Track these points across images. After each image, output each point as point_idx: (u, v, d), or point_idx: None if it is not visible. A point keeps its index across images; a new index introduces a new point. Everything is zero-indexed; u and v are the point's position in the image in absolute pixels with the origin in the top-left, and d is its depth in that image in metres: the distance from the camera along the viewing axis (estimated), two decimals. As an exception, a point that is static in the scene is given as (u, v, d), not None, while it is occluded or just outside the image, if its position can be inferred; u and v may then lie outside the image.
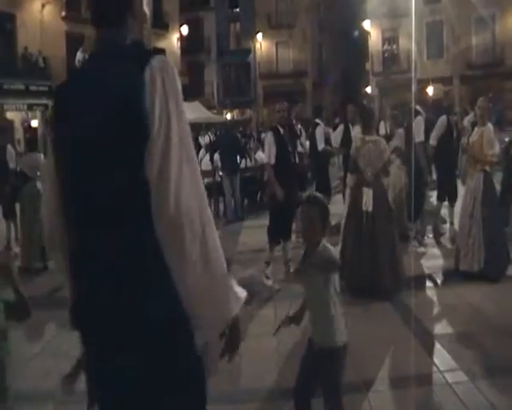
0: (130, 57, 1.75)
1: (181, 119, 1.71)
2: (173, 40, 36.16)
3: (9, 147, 10.53)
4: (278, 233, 7.39)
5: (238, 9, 42.63)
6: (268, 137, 7.44)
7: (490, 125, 7.04)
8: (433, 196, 9.65)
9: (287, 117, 7.77)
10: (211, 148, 13.87)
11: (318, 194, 3.60)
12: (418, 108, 8.71)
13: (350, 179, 7.14)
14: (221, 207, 12.50)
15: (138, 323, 1.68)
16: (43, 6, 26.55)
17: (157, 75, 1.69)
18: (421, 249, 8.49)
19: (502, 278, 6.71)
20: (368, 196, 6.51)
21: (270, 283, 7.06)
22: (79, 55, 28.41)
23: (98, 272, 1.73)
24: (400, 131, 9.07)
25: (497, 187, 7.44)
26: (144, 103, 1.64)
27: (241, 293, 1.87)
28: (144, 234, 1.67)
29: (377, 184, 6.59)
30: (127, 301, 1.68)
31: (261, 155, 13.90)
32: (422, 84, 26.11)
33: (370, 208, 6.47)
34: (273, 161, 7.20)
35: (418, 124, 8.47)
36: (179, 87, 1.76)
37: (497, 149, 6.98)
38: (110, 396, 1.79)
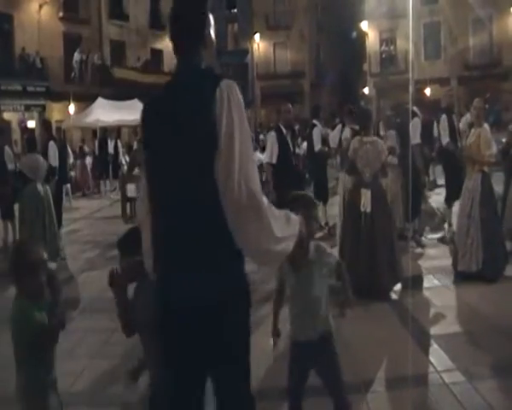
0: (204, 80, 2.32)
1: (242, 126, 2.25)
2: (171, 41, 36.20)
3: (7, 148, 10.53)
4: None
5: (236, 10, 42.64)
6: (271, 137, 7.45)
7: (486, 126, 7.05)
8: (431, 197, 9.66)
9: (291, 118, 7.81)
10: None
11: (305, 192, 3.42)
12: (415, 109, 8.71)
13: (348, 181, 7.13)
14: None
15: (214, 285, 2.23)
16: (40, 6, 26.50)
17: (224, 94, 2.21)
18: (419, 250, 8.49)
19: (499, 279, 6.72)
20: (366, 197, 6.51)
21: None
22: (77, 56, 28.47)
23: (180, 250, 2.28)
24: (392, 132, 9.01)
25: (497, 187, 7.41)
26: (215, 115, 2.18)
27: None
28: (215, 216, 2.22)
29: (375, 184, 6.60)
30: (204, 270, 2.24)
31: (259, 156, 13.90)
32: (420, 84, 26.22)
33: (369, 209, 6.48)
34: (274, 160, 7.20)
35: (415, 125, 8.47)
36: (242, 103, 2.27)
37: (494, 149, 6.99)
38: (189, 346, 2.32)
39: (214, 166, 2.18)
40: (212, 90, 2.22)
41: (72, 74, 27.33)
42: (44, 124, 10.34)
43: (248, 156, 2.25)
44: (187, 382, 2.37)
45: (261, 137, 22.95)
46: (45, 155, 9.26)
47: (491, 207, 6.91)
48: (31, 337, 2.78)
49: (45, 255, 2.90)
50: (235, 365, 2.41)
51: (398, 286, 6.72)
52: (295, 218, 2.47)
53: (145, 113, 2.50)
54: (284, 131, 7.44)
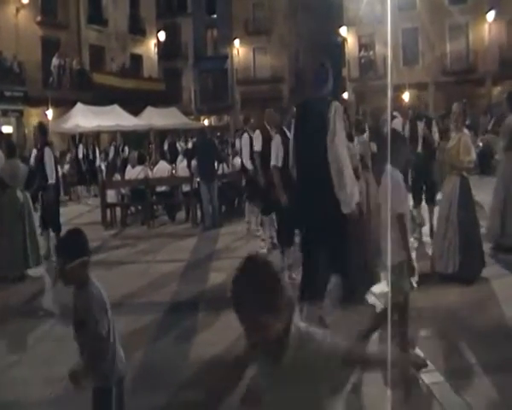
0: (325, 101, 4.95)
1: (340, 126, 4.79)
2: (150, 46, 36.03)
3: None
4: (289, 237, 7.47)
5: (215, 15, 42.68)
6: (276, 140, 7.42)
7: (466, 131, 7.17)
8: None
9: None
10: (188, 154, 13.82)
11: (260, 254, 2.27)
12: (395, 113, 8.84)
13: None
14: (199, 213, 12.46)
15: (329, 212, 4.75)
16: (17, 10, 26.23)
17: (333, 109, 4.77)
18: None
19: (476, 280, 6.82)
20: None
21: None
22: (55, 61, 28.28)
23: (312, 197, 4.80)
24: (363, 137, 9.11)
25: (474, 191, 7.52)
26: (329, 120, 4.69)
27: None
28: (325, 168, 4.72)
29: None
30: (326, 207, 4.75)
31: (239, 162, 13.93)
32: (399, 89, 26.47)
33: None
34: (280, 163, 7.16)
35: (395, 126, 8.61)
36: (342, 114, 4.86)
37: (473, 155, 7.10)
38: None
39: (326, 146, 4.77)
40: (328, 106, 4.85)
41: (51, 79, 27.04)
42: (41, 128, 9.91)
43: (343, 142, 4.87)
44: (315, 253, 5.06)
45: (237, 142, 22.89)
46: (41, 160, 9.24)
47: (468, 211, 7.01)
48: None
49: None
50: (340, 243, 4.89)
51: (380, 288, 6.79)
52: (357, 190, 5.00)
53: (297, 116, 5.33)
54: (288, 133, 7.48)
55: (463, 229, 6.89)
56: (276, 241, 8.93)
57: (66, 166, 19.90)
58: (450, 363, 4.68)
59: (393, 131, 6.10)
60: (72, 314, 3.08)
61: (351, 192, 4.78)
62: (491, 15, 32.28)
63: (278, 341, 1.91)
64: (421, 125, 8.91)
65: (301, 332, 1.93)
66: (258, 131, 9.08)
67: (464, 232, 6.88)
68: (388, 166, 4.53)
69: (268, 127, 8.92)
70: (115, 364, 3.11)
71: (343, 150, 4.70)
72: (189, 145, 20.37)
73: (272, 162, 7.30)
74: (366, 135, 9.24)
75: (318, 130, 4.78)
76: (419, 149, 8.96)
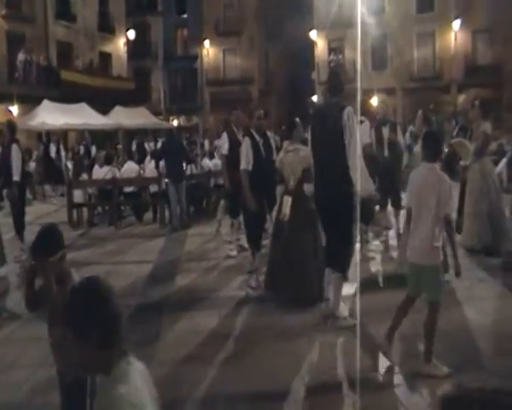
0: (339, 106, 5.72)
1: (353, 126, 5.66)
2: (120, 44, 35.69)
3: None
4: (257, 240, 7.42)
5: (186, 15, 42.52)
6: (245, 143, 7.34)
7: None
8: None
9: (263, 124, 7.82)
10: (156, 155, 13.73)
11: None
12: (362, 118, 8.96)
13: (279, 191, 7.26)
14: (167, 214, 12.40)
15: (343, 192, 5.60)
16: (-19, 4, 25.71)
17: (345, 113, 5.60)
18: (370, 254, 8.72)
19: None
20: (287, 204, 6.62)
21: (255, 293, 7.02)
22: (21, 56, 27.72)
23: (328, 178, 5.74)
24: None
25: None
26: (344, 122, 5.58)
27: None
28: (344, 163, 5.57)
29: (298, 192, 6.68)
30: (339, 187, 5.63)
31: (208, 163, 13.91)
32: (367, 94, 26.78)
33: (287, 217, 6.57)
34: (250, 167, 7.16)
35: (364, 128, 8.75)
36: (354, 118, 5.70)
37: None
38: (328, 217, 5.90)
39: (344, 141, 5.58)
40: (342, 111, 5.61)
41: (16, 74, 26.55)
42: (9, 125, 9.63)
43: (355, 136, 5.63)
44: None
45: (216, 142, 22.83)
46: (7, 157, 9.07)
47: None
48: None
49: None
50: (346, 217, 5.70)
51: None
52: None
53: (312, 117, 6.33)
54: (257, 137, 7.40)
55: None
56: (242, 243, 8.96)
57: (32, 164, 19.58)
58: (416, 365, 4.77)
59: (430, 132, 6.21)
60: (50, 311, 3.08)
61: (366, 181, 5.72)
62: (456, 24, 32.93)
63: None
64: (386, 130, 9.08)
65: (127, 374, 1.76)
66: (225, 134, 9.06)
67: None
68: (435, 165, 4.65)
69: (235, 129, 8.91)
70: None
71: (358, 148, 5.71)
72: (158, 145, 20.23)
73: (242, 166, 7.26)
74: None
75: (334, 132, 5.63)
76: (385, 153, 9.13)
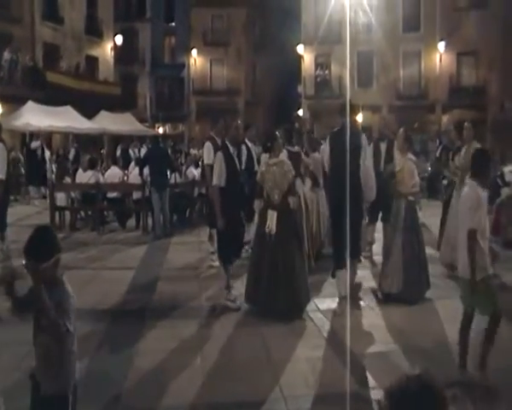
0: (358, 132, 7.20)
1: (369, 152, 7.40)
2: (107, 49, 35.54)
3: None
4: (231, 254, 7.20)
5: (174, 24, 42.56)
6: (218, 158, 7.02)
7: (411, 156, 7.44)
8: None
9: (238, 135, 7.67)
10: (141, 161, 13.69)
11: None
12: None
13: (257, 204, 7.08)
14: (150, 222, 12.35)
15: (357, 193, 6.87)
16: (-32, 2, 25.40)
17: (363, 138, 7.10)
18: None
19: (420, 301, 7.03)
20: (272, 218, 6.60)
21: (236, 305, 6.94)
22: (6, 55, 27.37)
23: (346, 187, 6.45)
24: (315, 155, 9.44)
25: (420, 213, 7.78)
26: (362, 144, 7.02)
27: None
28: (358, 177, 6.88)
29: (283, 205, 6.67)
30: (356, 192, 6.79)
31: (193, 172, 13.89)
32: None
33: (273, 231, 6.56)
34: (223, 183, 6.89)
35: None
36: (365, 140, 7.26)
37: (416, 179, 7.34)
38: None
39: (360, 160, 6.90)
40: (360, 136, 7.03)
41: (1, 74, 26.30)
42: None
43: (369, 158, 7.30)
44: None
45: (193, 151, 22.88)
46: None
47: (413, 233, 7.23)
48: None
49: None
50: (358, 216, 7.11)
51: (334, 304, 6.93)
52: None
53: (330, 141, 7.29)
54: (231, 149, 7.17)
55: (407, 251, 7.13)
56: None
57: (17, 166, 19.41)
58: (394, 380, 4.79)
59: (481, 150, 6.29)
60: (37, 317, 2.93)
61: (372, 190, 7.12)
62: (442, 46, 33.42)
63: None
64: (383, 146, 9.12)
65: None
66: (209, 143, 8.92)
67: (407, 254, 7.13)
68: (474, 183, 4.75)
69: (217, 139, 8.79)
70: (74, 370, 3.02)
71: (371, 168, 7.19)
72: (142, 152, 20.14)
73: (214, 182, 6.96)
74: (317, 153, 9.57)
75: (352, 152, 6.65)
76: (381, 168, 9.16)
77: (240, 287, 7.18)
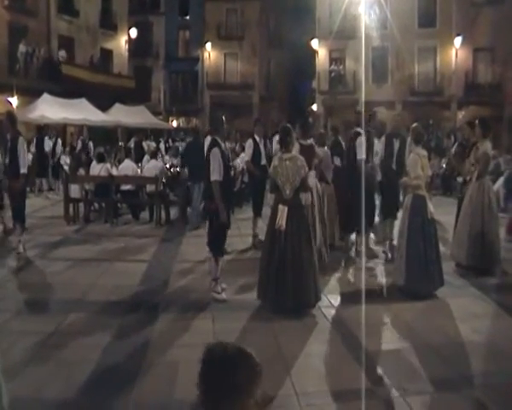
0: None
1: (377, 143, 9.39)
2: (121, 42, 35.64)
3: None
4: (222, 246, 7.31)
5: (188, 17, 42.53)
6: (214, 153, 7.02)
7: (419, 150, 7.34)
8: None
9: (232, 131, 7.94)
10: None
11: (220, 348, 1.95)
12: (358, 129, 8.99)
13: (270, 198, 7.14)
14: (163, 214, 12.38)
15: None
16: (-16, -6, 25.55)
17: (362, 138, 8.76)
18: (362, 265, 8.73)
19: (431, 298, 7.00)
20: (283, 213, 6.57)
21: (222, 297, 7.01)
22: (22, 48, 27.49)
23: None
24: (324, 149, 9.47)
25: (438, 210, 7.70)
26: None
27: None
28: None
29: (294, 201, 6.64)
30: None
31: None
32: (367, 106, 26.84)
33: (283, 227, 6.52)
34: (221, 177, 6.99)
35: (359, 143, 8.78)
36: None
37: (418, 171, 7.20)
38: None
39: None
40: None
41: (17, 66, 26.47)
42: (10, 117, 9.48)
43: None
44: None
45: (176, 144, 22.83)
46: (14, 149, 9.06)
47: (417, 228, 7.16)
48: None
49: None
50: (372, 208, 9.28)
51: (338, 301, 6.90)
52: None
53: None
54: (223, 145, 7.25)
55: (413, 245, 7.10)
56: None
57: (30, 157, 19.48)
58: (405, 378, 4.78)
59: None
60: None
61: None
62: (458, 41, 33.10)
63: None
64: (396, 143, 9.06)
65: None
66: (250, 141, 9.68)
67: (412, 249, 7.09)
68: None
69: (257, 138, 9.66)
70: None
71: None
72: (160, 146, 20.09)
73: (215, 177, 6.97)
74: (326, 148, 9.62)
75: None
76: (393, 165, 9.11)
77: (251, 283, 7.20)
